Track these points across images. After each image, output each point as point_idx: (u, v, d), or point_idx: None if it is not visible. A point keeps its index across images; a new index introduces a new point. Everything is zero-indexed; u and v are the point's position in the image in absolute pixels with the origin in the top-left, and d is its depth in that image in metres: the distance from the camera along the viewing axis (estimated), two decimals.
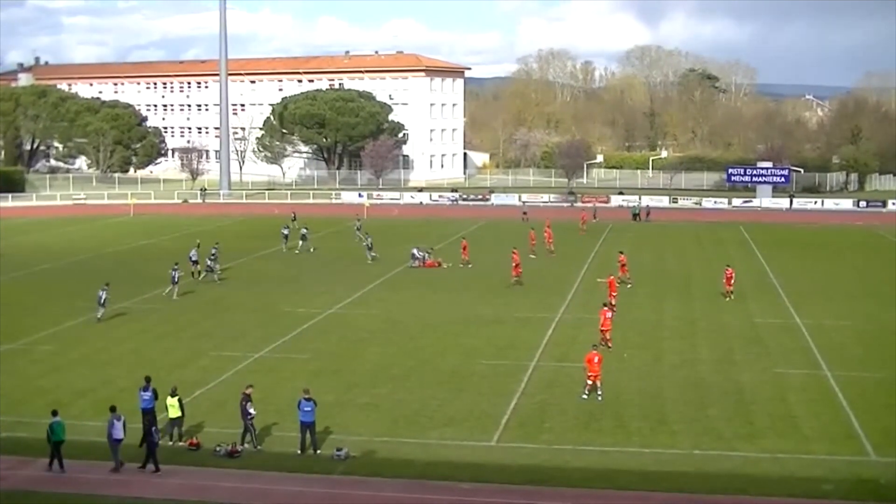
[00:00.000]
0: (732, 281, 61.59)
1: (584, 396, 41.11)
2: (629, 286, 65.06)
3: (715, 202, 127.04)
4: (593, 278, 70.07)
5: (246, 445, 34.96)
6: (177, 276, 61.57)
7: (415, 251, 75.52)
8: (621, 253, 68.98)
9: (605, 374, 42.68)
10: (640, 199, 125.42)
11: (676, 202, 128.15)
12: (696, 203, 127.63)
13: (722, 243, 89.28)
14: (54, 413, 33.87)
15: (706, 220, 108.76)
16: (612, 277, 60.16)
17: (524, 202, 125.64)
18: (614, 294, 57.99)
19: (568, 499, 30.63)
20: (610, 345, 48.09)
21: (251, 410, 34.93)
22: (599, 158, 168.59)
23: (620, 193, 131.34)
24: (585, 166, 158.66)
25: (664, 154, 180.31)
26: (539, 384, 43.33)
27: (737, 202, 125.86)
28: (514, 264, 66.34)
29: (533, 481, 32.13)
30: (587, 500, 30.60)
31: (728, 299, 60.83)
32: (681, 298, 62.64)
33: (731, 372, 45.17)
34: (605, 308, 49.75)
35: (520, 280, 65.79)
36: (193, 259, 70.40)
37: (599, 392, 41.10)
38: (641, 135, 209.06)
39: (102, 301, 55.82)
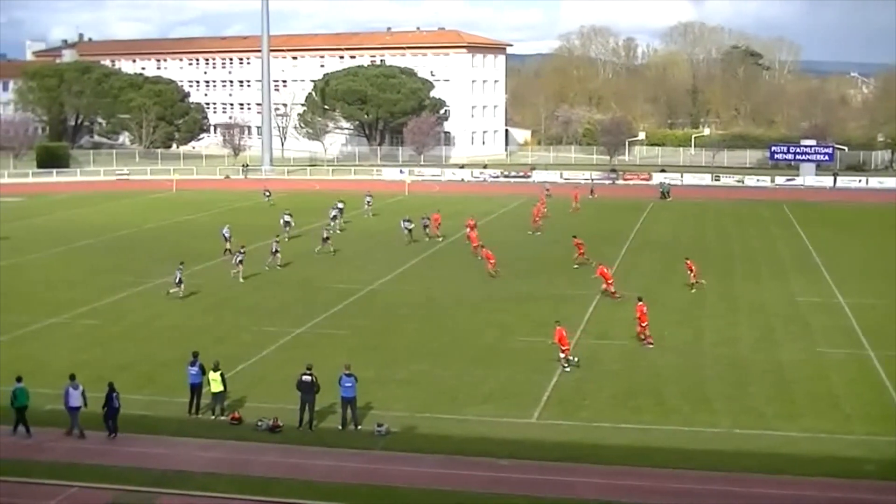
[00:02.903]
0: (694, 271, 58.58)
1: (567, 369, 41.85)
2: (576, 267, 64.46)
3: (758, 180, 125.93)
4: (634, 256, 69.95)
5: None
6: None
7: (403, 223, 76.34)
8: (575, 237, 67.33)
9: (645, 352, 42.70)
10: (651, 177, 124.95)
11: (718, 180, 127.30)
12: (739, 181, 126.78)
13: (764, 221, 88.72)
14: (18, 379, 34.72)
15: (749, 198, 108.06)
16: (602, 267, 58.07)
17: (545, 182, 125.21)
18: (610, 282, 56.27)
19: (605, 476, 30.66)
20: (651, 341, 45.96)
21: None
22: (641, 136, 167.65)
23: (663, 171, 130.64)
24: (627, 143, 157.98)
25: (706, 132, 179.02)
26: (579, 361, 43.29)
27: (780, 180, 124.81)
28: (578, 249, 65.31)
29: (571, 458, 32.18)
30: (625, 477, 30.61)
31: (693, 291, 57.68)
32: (722, 277, 62.32)
33: (772, 351, 45.01)
34: (641, 303, 47.31)
35: (584, 261, 64.34)
36: (226, 236, 71.11)
37: (574, 360, 42.34)
38: (684, 112, 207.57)
39: (178, 280, 55.89)
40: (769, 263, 66.94)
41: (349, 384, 34.88)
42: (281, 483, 30.11)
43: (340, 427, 35.03)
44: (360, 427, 35.01)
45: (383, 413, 36.15)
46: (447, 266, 66.22)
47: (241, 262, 60.66)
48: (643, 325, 46.32)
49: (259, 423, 35.05)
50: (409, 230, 74.96)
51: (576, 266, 63.79)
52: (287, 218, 78.27)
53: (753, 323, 50.41)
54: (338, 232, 79.28)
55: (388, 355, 44.39)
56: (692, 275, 58.09)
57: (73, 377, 34.90)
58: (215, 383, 36.04)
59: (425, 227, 76.85)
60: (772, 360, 43.38)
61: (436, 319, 51.12)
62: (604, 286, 56.00)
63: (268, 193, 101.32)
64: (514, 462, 31.81)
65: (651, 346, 45.63)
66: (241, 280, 60.04)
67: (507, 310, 53.34)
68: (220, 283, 60.71)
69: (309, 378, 34.94)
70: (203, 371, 36.37)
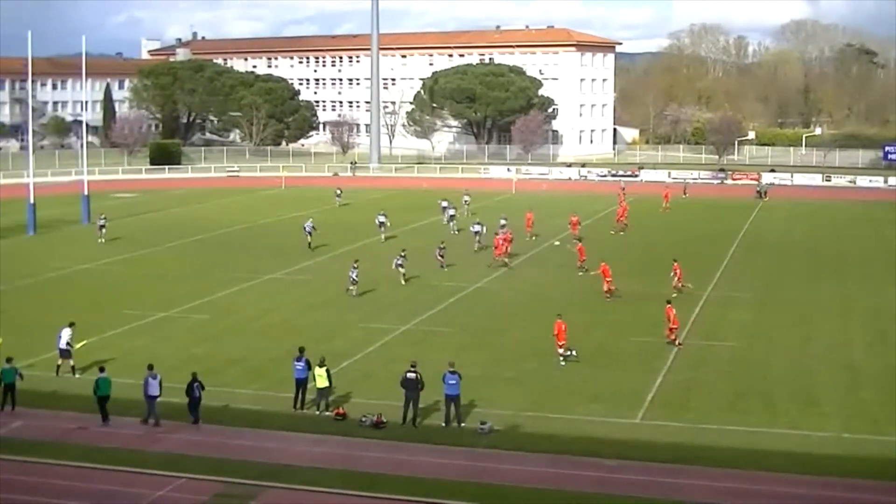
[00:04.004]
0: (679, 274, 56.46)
1: (563, 363, 42.35)
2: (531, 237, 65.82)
3: (870, 181, 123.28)
4: (744, 256, 69.05)
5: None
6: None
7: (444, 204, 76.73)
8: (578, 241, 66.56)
9: (754, 353, 42.15)
10: (760, 177, 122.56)
11: (830, 180, 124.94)
12: (851, 181, 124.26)
13: (877, 223, 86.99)
14: (101, 369, 35.98)
15: (861, 199, 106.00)
16: (604, 264, 56.35)
17: (621, 178, 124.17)
18: (609, 280, 55.07)
19: (713, 478, 30.28)
20: (679, 342, 45.32)
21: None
22: (751, 135, 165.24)
23: (772, 171, 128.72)
24: (737, 143, 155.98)
25: (818, 131, 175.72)
26: (685, 362, 42.93)
27: (893, 181, 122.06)
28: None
29: (678, 460, 31.83)
30: (733, 480, 30.21)
31: (675, 295, 53.81)
32: (835, 278, 61.29)
33: (885, 355, 44.03)
34: (669, 305, 46.29)
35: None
36: (308, 230, 72.18)
37: (572, 353, 42.62)
38: (795, 111, 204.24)
39: (355, 278, 56.04)
40: (882, 266, 65.51)
41: (453, 381, 34.92)
42: (386, 479, 30.20)
43: (444, 424, 35.08)
44: (463, 424, 35.03)
45: (487, 411, 36.12)
46: (554, 265, 65.93)
47: (400, 265, 59.63)
48: (673, 327, 45.44)
49: (363, 419, 35.24)
50: (477, 233, 72.34)
51: (584, 272, 61.34)
52: (382, 218, 76.99)
53: (867, 326, 49.43)
54: (455, 233, 78.46)
55: (494, 353, 44.38)
56: (677, 278, 56.13)
57: (151, 367, 35.86)
58: (321, 378, 36.33)
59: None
60: (885, 365, 42.43)
61: (543, 318, 50.89)
62: (605, 286, 55.01)
63: (339, 193, 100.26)
64: (621, 463, 31.58)
65: (680, 346, 45.01)
66: (403, 283, 59.32)
67: (617, 309, 52.98)
68: (328, 278, 61.15)
69: (414, 375, 35.07)
70: (309, 366, 36.73)
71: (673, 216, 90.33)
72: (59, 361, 41.03)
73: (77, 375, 40.45)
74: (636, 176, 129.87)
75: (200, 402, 35.27)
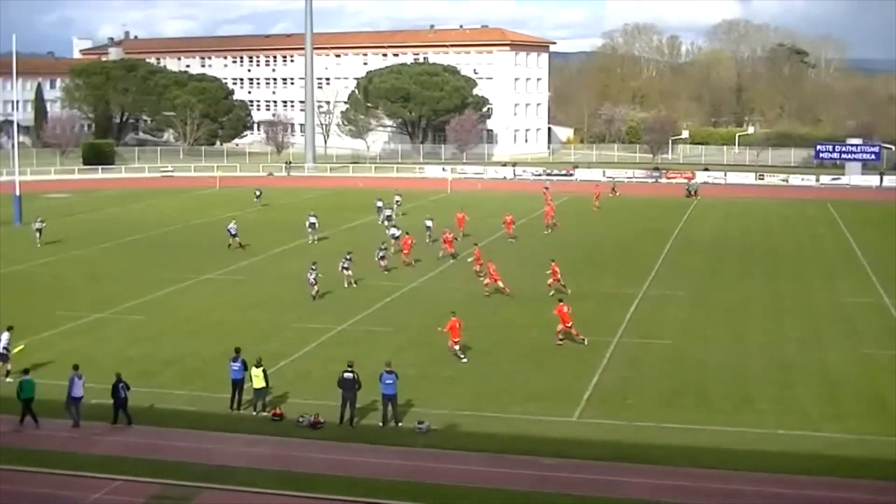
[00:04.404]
0: (557, 276, 55.85)
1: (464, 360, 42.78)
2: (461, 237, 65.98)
3: (802, 179, 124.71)
4: (678, 255, 69.56)
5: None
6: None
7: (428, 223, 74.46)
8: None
9: (689, 351, 42.54)
10: (693, 176, 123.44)
11: (763, 179, 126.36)
12: (784, 180, 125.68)
13: (809, 221, 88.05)
14: (25, 371, 35.97)
15: (794, 197, 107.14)
16: (553, 264, 56.22)
17: (547, 177, 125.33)
18: (558, 278, 54.79)
19: (651, 476, 30.45)
20: (581, 336, 45.46)
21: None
22: (685, 134, 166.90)
23: (706, 170, 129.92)
24: (671, 142, 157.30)
25: (751, 130, 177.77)
26: (621, 360, 43.19)
27: (825, 179, 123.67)
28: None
29: (615, 458, 31.99)
30: (670, 477, 30.40)
31: (552, 294, 54.43)
32: (768, 276, 61.94)
33: (818, 352, 44.56)
34: (561, 303, 46.92)
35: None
36: (232, 232, 71.80)
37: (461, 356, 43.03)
38: (728, 110, 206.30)
39: (313, 280, 55.21)
40: (815, 263, 66.37)
41: (390, 381, 34.90)
42: (324, 479, 30.11)
43: (381, 424, 35.05)
44: (400, 424, 35.02)
45: (425, 411, 36.12)
46: (491, 263, 65.98)
47: (346, 267, 58.36)
48: (567, 325, 45.66)
49: (301, 420, 35.12)
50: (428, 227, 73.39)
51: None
52: (312, 220, 75.37)
53: (799, 323, 49.95)
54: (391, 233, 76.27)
55: (431, 353, 44.33)
56: (554, 277, 55.64)
57: (76, 367, 35.77)
58: (257, 379, 36.19)
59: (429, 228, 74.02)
60: (818, 361, 42.98)
61: (479, 317, 50.97)
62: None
63: (258, 193, 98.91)
64: (558, 461, 31.68)
65: (585, 342, 45.29)
66: (352, 285, 58.15)
67: (550, 308, 53.09)
68: (264, 279, 60.91)
69: (351, 375, 35.00)
70: (245, 367, 36.57)
71: (606, 215, 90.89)
72: None
73: (9, 380, 39.73)
74: (571, 175, 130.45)
75: (127, 402, 35.08)
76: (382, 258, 62.40)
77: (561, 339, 45.65)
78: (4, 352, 40.53)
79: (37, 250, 70.60)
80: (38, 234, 73.00)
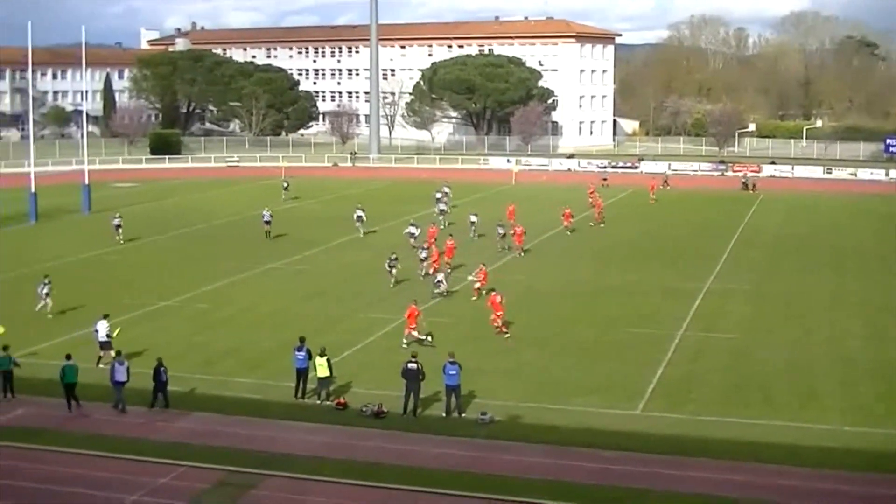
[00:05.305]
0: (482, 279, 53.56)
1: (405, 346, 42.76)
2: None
3: (871, 173, 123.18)
4: (743, 249, 69.05)
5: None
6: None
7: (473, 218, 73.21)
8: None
9: (753, 346, 42.23)
10: (748, 169, 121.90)
11: (831, 173, 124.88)
12: (852, 174, 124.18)
13: (878, 216, 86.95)
14: (68, 357, 35.94)
15: (862, 192, 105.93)
16: (483, 268, 54.61)
17: (612, 169, 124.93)
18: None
19: (712, 470, 30.34)
20: (505, 329, 45.84)
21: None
22: (751, 127, 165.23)
23: (773, 163, 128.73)
24: (737, 135, 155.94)
25: (818, 123, 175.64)
26: (685, 355, 42.98)
27: (894, 174, 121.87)
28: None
29: (676, 451, 31.90)
30: (732, 472, 30.25)
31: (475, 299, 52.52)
32: (834, 271, 61.33)
33: (883, 348, 44.04)
34: (494, 293, 47.39)
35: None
36: (266, 219, 72.64)
37: (425, 339, 43.47)
38: (795, 103, 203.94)
39: (394, 273, 56.18)
40: (881, 259, 65.50)
41: (453, 372, 34.99)
42: (386, 469, 30.28)
43: (444, 415, 35.17)
44: (463, 415, 35.12)
45: (487, 402, 36.18)
46: (550, 256, 65.99)
47: (393, 266, 56.58)
48: (498, 314, 45.90)
49: (364, 409, 35.31)
50: (473, 223, 72.65)
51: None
52: (360, 213, 74.62)
53: (864, 319, 49.41)
54: (446, 225, 75.90)
55: (492, 345, 44.40)
56: (480, 282, 53.36)
57: (118, 353, 36.54)
58: (321, 368, 36.40)
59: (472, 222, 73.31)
60: (883, 359, 42.44)
61: (540, 310, 50.96)
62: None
63: (286, 185, 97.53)
64: (619, 454, 31.64)
65: (505, 333, 45.53)
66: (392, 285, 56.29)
67: (616, 301, 53.04)
68: (326, 269, 61.23)
69: (414, 366, 35.15)
70: (310, 356, 36.80)
71: (667, 208, 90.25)
72: (101, 353, 40.54)
73: (117, 364, 38.10)
74: (636, 168, 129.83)
75: (167, 386, 35.73)
76: (392, 268, 56.73)
77: (498, 328, 46.01)
78: (107, 339, 40.74)
79: (102, 239, 71.01)
80: (117, 231, 70.76)
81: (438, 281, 54.26)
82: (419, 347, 40.83)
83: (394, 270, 56.48)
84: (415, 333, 43.65)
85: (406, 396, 35.25)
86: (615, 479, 29.70)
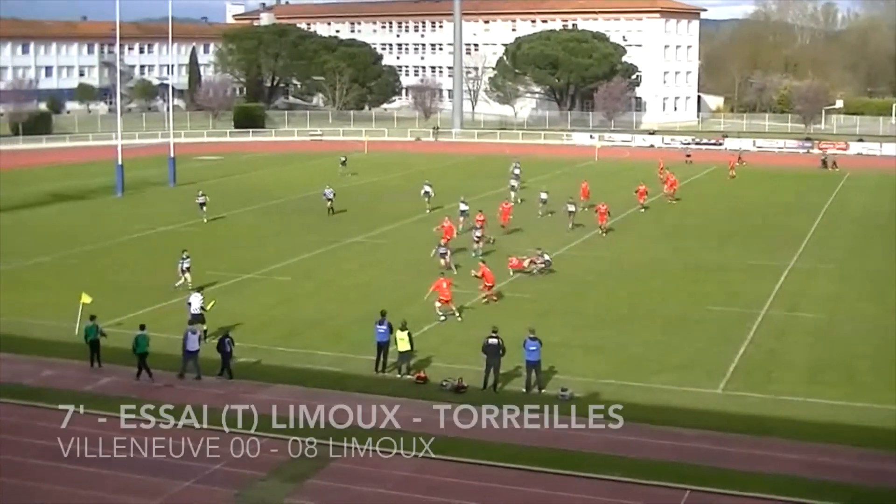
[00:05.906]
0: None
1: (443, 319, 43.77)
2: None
3: None
4: (828, 227, 68.14)
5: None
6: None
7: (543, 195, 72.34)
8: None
9: (837, 326, 41.74)
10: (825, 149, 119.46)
11: None
12: None
13: None
14: (142, 327, 36.74)
15: None
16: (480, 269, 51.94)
17: (696, 145, 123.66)
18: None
19: (794, 451, 30.04)
20: (493, 298, 47.04)
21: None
22: (839, 104, 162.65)
23: (860, 140, 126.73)
24: (824, 112, 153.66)
25: None
26: (768, 333, 42.57)
27: None
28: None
29: (758, 431, 31.65)
30: (814, 454, 29.95)
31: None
32: None
33: None
34: (483, 263, 48.79)
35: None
36: (328, 196, 72.39)
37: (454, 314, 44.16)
38: (885, 80, 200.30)
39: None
40: None
41: (534, 348, 34.97)
42: (466, 443, 30.24)
43: (524, 390, 35.18)
44: (543, 391, 35.10)
45: (568, 378, 36.13)
46: (630, 234, 65.62)
47: (444, 254, 53.76)
48: (489, 284, 46.84)
49: (444, 384, 35.44)
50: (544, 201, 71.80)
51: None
52: (427, 188, 74.52)
53: None
54: (518, 202, 75.65)
55: (573, 320, 44.34)
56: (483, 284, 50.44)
57: (191, 322, 37.43)
58: (402, 342, 36.57)
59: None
60: None
61: (624, 286, 50.75)
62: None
63: (343, 160, 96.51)
64: (700, 432, 31.44)
65: (494, 300, 47.01)
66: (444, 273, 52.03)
67: (697, 279, 52.67)
68: (408, 243, 61.39)
69: (495, 341, 35.19)
70: (391, 330, 36.98)
71: (750, 186, 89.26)
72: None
73: (206, 340, 39.04)
74: (720, 144, 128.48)
75: (231, 357, 36.32)
76: (443, 255, 53.78)
77: (486, 298, 46.92)
78: (200, 312, 40.84)
79: (189, 213, 71.44)
80: (202, 209, 69.98)
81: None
82: (502, 323, 40.62)
83: (444, 259, 53.44)
84: (440, 306, 44.00)
85: (487, 371, 35.32)
86: (695, 458, 29.47)
